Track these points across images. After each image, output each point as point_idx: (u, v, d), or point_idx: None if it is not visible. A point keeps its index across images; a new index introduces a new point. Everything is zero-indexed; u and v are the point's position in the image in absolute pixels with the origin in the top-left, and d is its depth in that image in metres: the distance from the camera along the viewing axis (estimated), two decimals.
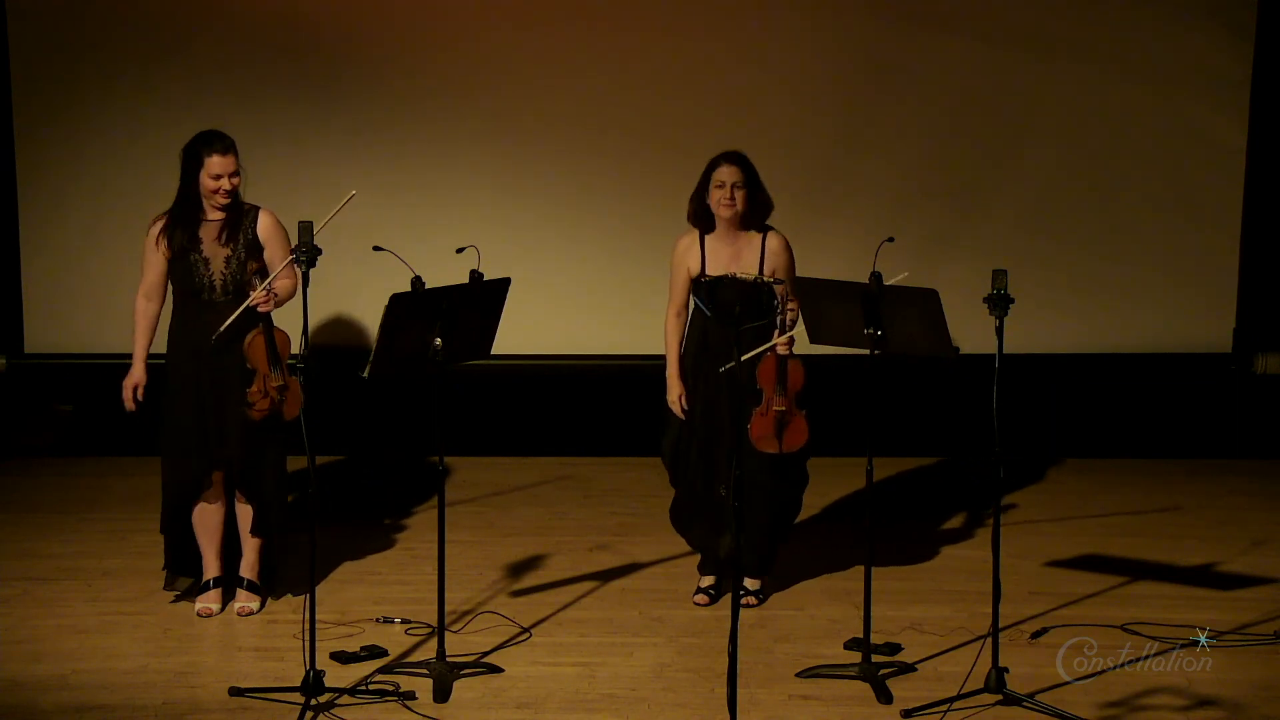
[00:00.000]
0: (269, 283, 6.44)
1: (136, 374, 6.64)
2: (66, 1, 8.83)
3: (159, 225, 6.58)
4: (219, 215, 6.57)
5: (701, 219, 6.77)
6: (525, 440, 9.03)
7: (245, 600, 6.75)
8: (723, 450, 6.65)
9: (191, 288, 6.56)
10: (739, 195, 6.65)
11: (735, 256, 6.71)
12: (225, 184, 6.51)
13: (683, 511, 6.97)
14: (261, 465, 6.65)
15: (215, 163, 6.49)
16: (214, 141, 6.52)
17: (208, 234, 6.57)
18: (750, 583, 6.87)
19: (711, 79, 8.89)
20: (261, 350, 6.48)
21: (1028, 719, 5.78)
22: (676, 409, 6.77)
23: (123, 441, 8.89)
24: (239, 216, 6.59)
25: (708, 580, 6.94)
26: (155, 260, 6.59)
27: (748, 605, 6.77)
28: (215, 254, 6.56)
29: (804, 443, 6.63)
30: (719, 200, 6.67)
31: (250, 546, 6.76)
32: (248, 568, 6.78)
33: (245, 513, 6.74)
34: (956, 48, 8.88)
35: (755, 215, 6.73)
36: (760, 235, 6.74)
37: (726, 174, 6.67)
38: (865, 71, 8.91)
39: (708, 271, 6.70)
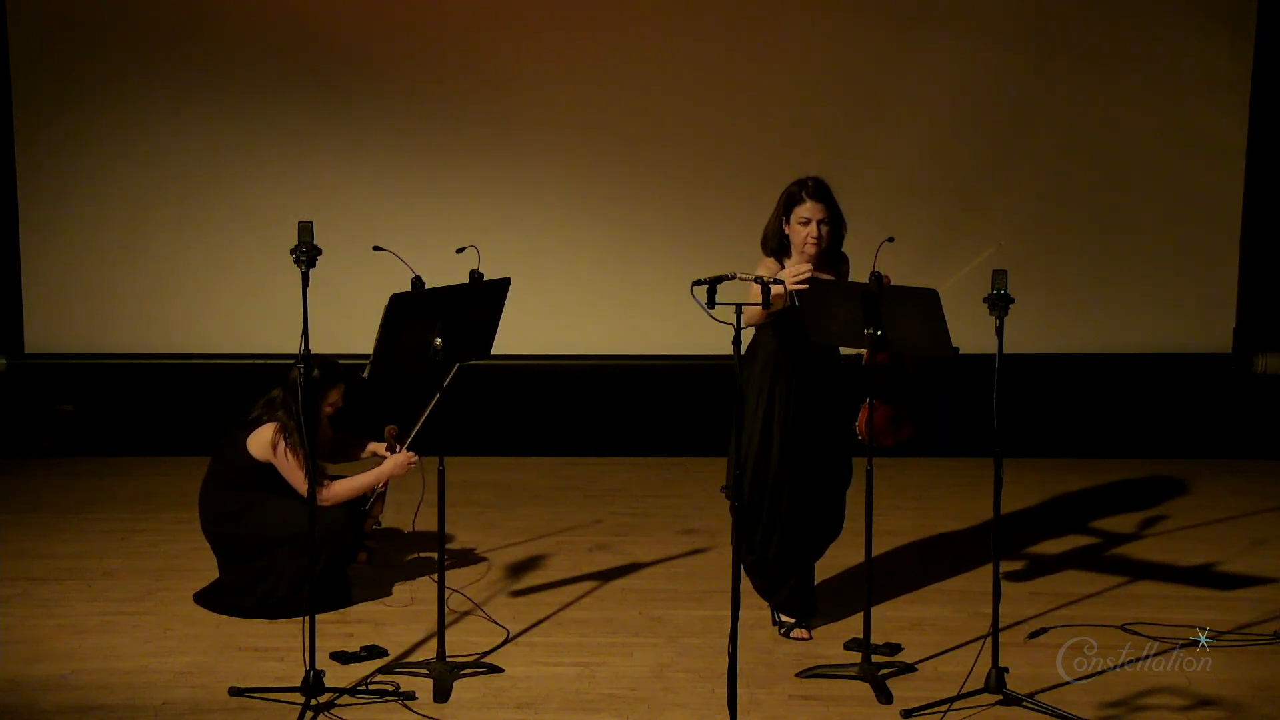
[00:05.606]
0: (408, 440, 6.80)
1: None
2: (66, 2, 8.84)
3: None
4: None
5: (779, 249, 6.39)
6: (525, 440, 9.02)
7: None
8: (816, 474, 6.47)
9: None
10: (825, 231, 6.30)
11: None
12: None
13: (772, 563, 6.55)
14: None
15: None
16: None
17: None
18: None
19: (709, 79, 8.89)
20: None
21: (1028, 719, 5.78)
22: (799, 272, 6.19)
23: (123, 441, 8.89)
24: None
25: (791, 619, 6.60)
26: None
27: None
28: None
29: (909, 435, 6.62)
30: (805, 237, 6.27)
31: None
32: None
33: None
34: (955, 48, 8.88)
35: (836, 245, 6.41)
36: (841, 263, 6.45)
37: (812, 211, 6.27)
38: (864, 71, 8.91)
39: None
